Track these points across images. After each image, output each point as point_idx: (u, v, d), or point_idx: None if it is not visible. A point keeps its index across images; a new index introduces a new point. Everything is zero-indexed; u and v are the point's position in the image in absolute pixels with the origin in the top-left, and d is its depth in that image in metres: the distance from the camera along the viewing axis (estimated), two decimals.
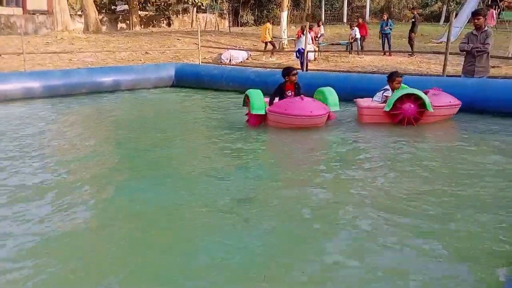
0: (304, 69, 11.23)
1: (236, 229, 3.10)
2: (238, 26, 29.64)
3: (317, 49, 14.16)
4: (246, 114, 6.25)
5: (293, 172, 4.40)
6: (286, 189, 3.88)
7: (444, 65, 9.06)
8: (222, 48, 16.48)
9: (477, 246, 2.79)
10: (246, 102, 6.20)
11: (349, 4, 28.80)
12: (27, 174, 4.23)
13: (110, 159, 4.89)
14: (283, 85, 6.16)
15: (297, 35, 14.27)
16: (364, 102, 6.35)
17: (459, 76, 7.56)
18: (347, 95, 7.33)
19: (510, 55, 12.46)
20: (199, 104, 8.46)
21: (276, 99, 6.11)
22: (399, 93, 5.91)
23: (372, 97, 6.36)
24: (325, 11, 29.11)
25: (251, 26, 29.17)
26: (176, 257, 2.78)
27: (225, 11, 31.19)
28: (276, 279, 2.51)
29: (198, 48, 12.90)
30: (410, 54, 14.43)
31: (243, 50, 16.44)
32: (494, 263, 2.58)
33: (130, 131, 6.23)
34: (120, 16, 29.44)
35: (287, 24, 18.34)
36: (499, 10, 23.44)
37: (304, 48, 11.62)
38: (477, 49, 6.71)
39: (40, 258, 2.73)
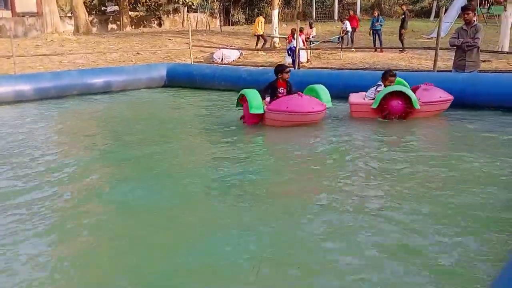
0: (296, 66, 11.23)
1: (233, 228, 3.10)
2: (229, 25, 29.58)
3: (308, 51, 14.11)
4: (241, 118, 6.19)
5: (291, 170, 4.39)
6: (284, 187, 3.89)
7: (435, 61, 9.10)
8: (213, 48, 16.45)
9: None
10: (240, 102, 6.18)
11: (339, 1, 28.81)
12: (17, 176, 4.20)
13: (102, 160, 4.87)
14: (274, 83, 6.16)
15: (288, 40, 14.26)
16: (357, 97, 6.46)
17: (450, 71, 7.61)
18: (340, 92, 7.36)
19: (500, 49, 12.55)
20: (192, 104, 8.44)
21: (267, 96, 6.12)
22: (385, 91, 6.01)
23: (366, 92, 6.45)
24: (316, 8, 29.12)
25: (242, 25, 29.12)
26: (173, 255, 2.78)
27: (216, 10, 31.14)
28: (270, 276, 2.51)
29: (189, 48, 12.86)
30: (401, 50, 14.49)
31: (235, 49, 16.42)
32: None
33: (122, 132, 6.20)
34: (111, 17, 29.27)
35: (278, 22, 18.32)
36: (488, 5, 23.62)
37: (295, 46, 11.63)
38: (467, 44, 6.76)
39: (38, 259, 2.72)
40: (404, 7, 16.01)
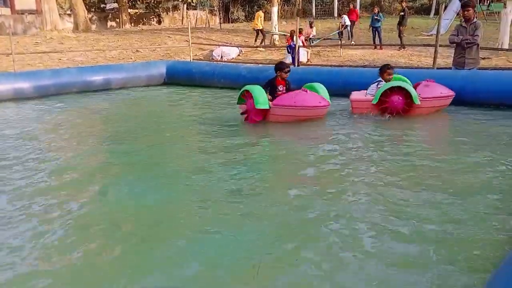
0: (296, 64, 11.22)
1: (233, 227, 3.10)
2: (229, 22, 29.54)
3: (308, 51, 14.08)
4: (243, 112, 6.12)
5: (292, 168, 4.39)
6: (284, 185, 3.88)
7: (434, 58, 9.09)
8: (213, 45, 16.43)
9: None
10: (242, 98, 6.10)
11: None
12: (15, 174, 4.20)
13: (101, 158, 4.87)
14: (274, 80, 6.16)
15: (287, 42, 14.24)
16: (358, 94, 6.48)
17: (450, 68, 7.60)
18: (340, 90, 7.36)
19: (499, 47, 12.55)
20: (191, 102, 8.44)
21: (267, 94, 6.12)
22: (385, 86, 6.02)
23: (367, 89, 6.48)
24: (315, 5, 29.08)
25: (242, 22, 29.07)
26: (172, 255, 2.78)
27: (215, 8, 31.09)
28: (269, 277, 2.52)
29: (189, 45, 12.84)
30: (400, 47, 14.48)
31: (234, 46, 16.40)
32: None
33: (121, 129, 6.20)
34: (110, 14, 29.22)
35: (277, 19, 18.30)
36: (488, 2, 23.60)
37: (295, 43, 11.62)
38: (466, 41, 6.75)
39: (37, 259, 2.73)
40: (403, 4, 15.97)
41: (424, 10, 28.62)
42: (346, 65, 11.91)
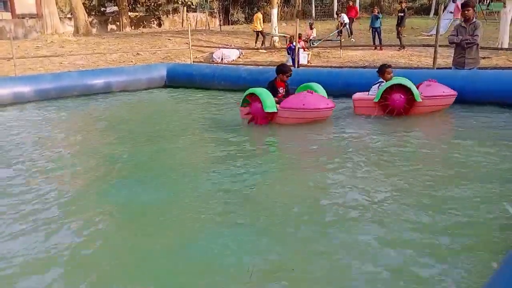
0: (296, 65, 11.24)
1: (232, 228, 3.11)
2: (229, 24, 29.57)
3: (309, 53, 14.08)
4: (248, 114, 6.06)
5: (294, 169, 4.40)
6: (284, 187, 3.89)
7: (434, 58, 9.11)
8: (213, 47, 16.46)
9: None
10: (248, 99, 6.04)
11: None
12: (16, 178, 4.22)
13: (102, 161, 4.88)
14: (275, 82, 6.17)
15: (287, 45, 14.25)
16: (360, 95, 6.49)
17: (450, 68, 7.60)
18: (340, 91, 7.38)
19: (499, 46, 12.55)
20: (192, 104, 8.45)
21: None
22: (386, 84, 6.03)
23: (368, 91, 6.49)
24: (315, 7, 29.10)
25: (242, 24, 29.10)
26: (170, 254, 2.79)
27: (215, 10, 31.14)
28: (266, 277, 2.53)
29: (189, 48, 12.87)
30: (399, 48, 14.49)
31: (234, 48, 16.42)
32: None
33: (122, 132, 6.21)
34: (110, 17, 29.27)
35: (277, 21, 18.32)
36: (488, 1, 23.58)
37: (295, 44, 11.64)
38: (466, 41, 6.75)
39: (35, 258, 2.74)
40: (403, 5, 15.97)
41: (423, 10, 28.61)
42: (346, 66, 11.92)
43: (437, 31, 9.12)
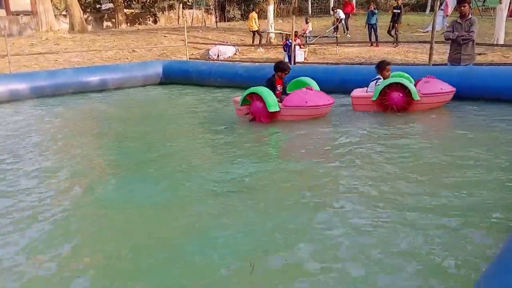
0: (292, 62, 11.23)
1: (231, 226, 3.10)
2: (225, 21, 29.48)
3: (305, 50, 14.04)
4: (248, 113, 6.04)
5: (293, 165, 4.37)
6: (284, 183, 3.88)
7: (430, 54, 9.11)
8: (209, 44, 16.41)
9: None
10: (248, 99, 5.99)
11: None
12: (12, 176, 4.20)
13: (98, 159, 4.86)
14: (273, 79, 6.15)
15: (283, 42, 14.21)
16: (359, 92, 6.51)
17: (446, 64, 7.61)
18: (336, 87, 7.38)
19: (495, 42, 12.57)
20: (188, 101, 8.43)
21: None
22: (384, 83, 6.05)
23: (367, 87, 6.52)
24: (311, 3, 29.07)
25: (238, 21, 29.03)
26: (169, 254, 2.78)
27: (211, 7, 31.02)
28: (266, 276, 2.53)
29: (185, 45, 12.83)
30: (395, 44, 14.50)
31: (231, 45, 16.38)
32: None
33: (119, 129, 6.19)
34: (106, 14, 29.13)
35: (274, 17, 18.28)
36: None
37: (291, 42, 11.63)
38: (462, 37, 6.76)
39: (34, 256, 2.73)
40: (399, 1, 15.95)
41: (420, 7, 28.60)
42: (342, 63, 11.91)
43: (433, 28, 9.12)
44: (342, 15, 16.73)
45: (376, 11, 15.87)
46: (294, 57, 11.57)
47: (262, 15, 21.10)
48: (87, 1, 29.52)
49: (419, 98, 5.98)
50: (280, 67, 6.16)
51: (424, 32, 17.62)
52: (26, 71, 10.95)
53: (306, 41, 15.67)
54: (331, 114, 6.23)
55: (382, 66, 6.34)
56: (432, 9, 21.57)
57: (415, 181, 3.68)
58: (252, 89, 5.94)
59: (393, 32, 15.23)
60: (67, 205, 3.53)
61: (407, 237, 2.79)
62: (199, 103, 8.10)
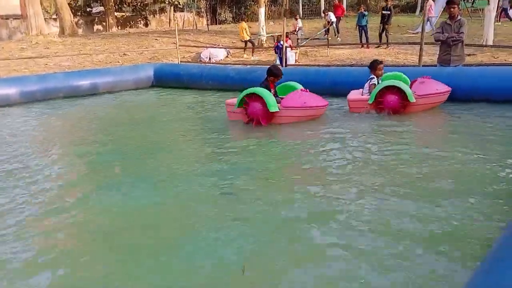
0: (284, 64, 11.25)
1: (222, 228, 3.11)
2: (216, 24, 29.49)
3: (296, 52, 14.05)
4: (247, 113, 5.95)
5: (286, 169, 4.40)
6: (277, 185, 3.90)
7: (420, 55, 9.16)
8: (201, 47, 16.38)
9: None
10: (246, 100, 5.92)
11: None
12: (2, 181, 4.16)
13: (90, 164, 4.84)
14: (268, 83, 6.14)
15: (275, 44, 14.21)
16: (355, 94, 6.55)
17: (435, 65, 7.67)
18: (328, 89, 7.40)
19: (484, 43, 12.68)
20: (180, 104, 8.41)
21: None
22: (379, 86, 6.08)
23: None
24: (302, 5, 29.18)
25: (229, 23, 29.05)
26: (161, 256, 2.78)
27: (202, 10, 31.02)
28: (257, 273, 2.53)
29: (176, 48, 12.80)
30: (382, 46, 14.62)
31: (222, 48, 16.36)
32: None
33: (110, 133, 6.17)
34: (96, 18, 28.99)
35: (265, 20, 18.30)
36: None
37: (282, 43, 11.64)
38: (452, 39, 6.82)
39: (26, 260, 2.71)
40: (389, 2, 16.04)
41: (409, 8, 28.82)
42: (333, 65, 11.95)
43: (423, 29, 9.18)
44: (333, 18, 16.77)
45: (366, 13, 15.95)
46: (286, 59, 11.59)
47: (254, 17, 21.10)
48: (77, 5, 29.36)
49: (415, 100, 6.02)
50: (273, 72, 6.15)
51: (414, 34, 17.74)
52: (16, 76, 10.86)
53: (298, 43, 15.70)
54: (326, 117, 6.25)
55: (374, 66, 6.40)
56: (422, 10, 21.70)
57: (412, 188, 3.70)
58: (251, 90, 5.88)
59: (383, 34, 15.30)
60: (59, 209, 3.51)
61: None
62: (191, 106, 8.08)
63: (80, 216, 3.42)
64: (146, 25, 30.55)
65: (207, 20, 29.14)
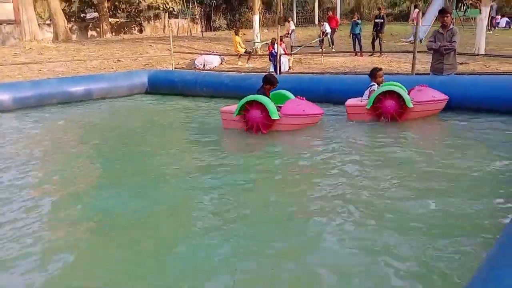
0: (278, 72, 11.30)
1: (212, 236, 3.11)
2: (211, 30, 29.57)
3: (290, 59, 14.12)
4: (246, 120, 5.94)
5: (278, 177, 4.39)
6: (270, 195, 3.89)
7: (413, 64, 9.25)
8: (195, 54, 16.40)
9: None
10: (247, 107, 5.90)
11: (320, 6, 29.13)
12: None
13: (84, 170, 4.82)
14: (264, 91, 6.16)
15: (268, 50, 14.27)
16: (353, 101, 6.58)
17: (428, 74, 7.73)
18: (322, 97, 7.44)
19: (476, 52, 12.83)
20: (174, 111, 8.41)
21: None
22: (377, 91, 6.13)
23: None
24: (296, 13, 29.38)
25: (224, 30, 29.16)
26: (154, 261, 2.77)
27: (197, 16, 31.10)
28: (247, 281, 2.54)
29: (171, 54, 12.82)
30: (375, 54, 14.74)
31: (217, 54, 16.39)
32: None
33: (103, 140, 6.15)
34: (90, 24, 28.96)
35: (259, 27, 18.39)
36: (465, 8, 24.16)
37: (276, 51, 11.70)
38: (444, 47, 6.89)
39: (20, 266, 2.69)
40: (382, 11, 16.20)
41: (402, 17, 29.12)
42: (327, 72, 12.02)
43: (415, 38, 9.28)
44: (328, 29, 16.80)
45: (359, 21, 16.09)
46: (280, 67, 11.64)
47: (248, 24, 21.16)
48: (71, 10, 29.31)
49: (413, 106, 6.07)
50: (270, 80, 6.18)
51: (407, 42, 17.90)
52: (9, 81, 10.80)
53: (292, 49, 15.76)
54: (322, 125, 6.29)
55: (374, 73, 6.46)
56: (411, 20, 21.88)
57: (409, 194, 3.72)
58: (252, 97, 5.87)
59: (377, 42, 15.43)
60: (55, 217, 3.49)
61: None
62: (185, 113, 8.08)
63: (70, 221, 3.42)
64: (141, 31, 30.56)
65: (202, 26, 29.22)
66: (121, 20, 30.47)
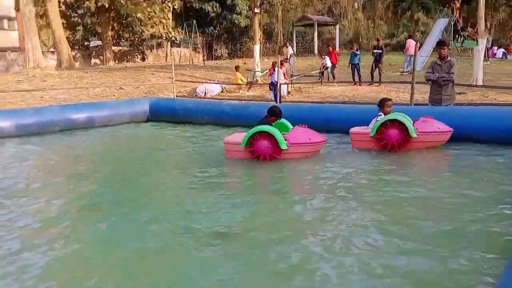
0: (278, 101, 11.42)
1: (211, 268, 3.08)
2: (212, 59, 30.03)
3: (289, 82, 14.29)
4: (251, 150, 5.97)
5: (280, 207, 4.37)
6: (270, 226, 3.87)
7: (412, 94, 9.36)
8: (197, 82, 16.59)
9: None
10: (256, 138, 5.93)
11: (319, 36, 29.63)
12: None
13: (83, 200, 4.81)
14: (267, 121, 6.22)
15: (269, 73, 14.50)
16: (358, 128, 6.64)
17: (427, 104, 7.80)
18: (321, 126, 7.48)
19: (474, 82, 12.99)
20: (175, 138, 8.45)
21: None
22: (382, 120, 6.18)
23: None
24: (296, 43, 29.84)
25: (225, 59, 29.60)
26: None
27: (199, 45, 31.64)
28: None
29: (172, 82, 12.98)
30: (374, 83, 14.93)
31: (218, 83, 16.59)
32: None
33: (104, 168, 6.16)
34: (94, 51, 29.47)
35: (260, 56, 18.68)
36: (462, 39, 24.57)
37: (277, 81, 11.86)
38: (442, 79, 6.99)
39: None
40: (380, 42, 16.48)
41: (401, 47, 29.51)
42: (326, 101, 12.13)
43: (414, 68, 9.43)
44: (328, 63, 16.98)
45: (358, 51, 16.35)
46: (280, 96, 11.78)
47: (249, 54, 21.46)
48: (75, 38, 29.87)
49: (416, 135, 6.10)
50: (275, 111, 6.27)
51: (405, 72, 18.15)
52: (12, 108, 10.89)
53: (292, 74, 15.91)
54: (325, 153, 6.34)
55: (382, 103, 6.50)
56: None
57: (408, 225, 3.72)
58: (261, 128, 5.94)
59: (376, 72, 15.62)
60: (50, 246, 3.47)
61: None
62: (187, 141, 8.12)
63: (62, 252, 3.39)
64: (143, 59, 31.04)
65: (203, 55, 29.67)
66: (124, 49, 31.00)
